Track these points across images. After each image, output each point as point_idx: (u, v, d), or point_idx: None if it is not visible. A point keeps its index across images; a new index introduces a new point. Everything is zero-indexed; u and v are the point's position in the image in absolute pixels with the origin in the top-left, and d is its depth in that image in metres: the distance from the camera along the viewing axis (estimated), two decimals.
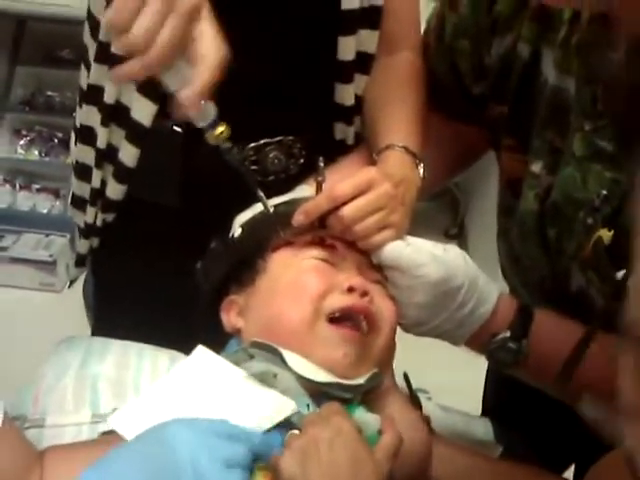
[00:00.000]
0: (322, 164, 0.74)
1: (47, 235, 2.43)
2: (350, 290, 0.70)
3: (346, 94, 0.92)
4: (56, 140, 2.52)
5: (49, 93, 2.58)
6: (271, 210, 0.75)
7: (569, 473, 1.08)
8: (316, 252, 0.74)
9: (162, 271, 0.97)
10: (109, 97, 0.89)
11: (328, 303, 0.70)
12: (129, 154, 0.90)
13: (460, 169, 1.02)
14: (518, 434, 0.91)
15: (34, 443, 0.75)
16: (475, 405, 1.12)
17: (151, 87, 0.85)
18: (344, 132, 0.97)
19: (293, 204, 0.75)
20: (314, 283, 0.71)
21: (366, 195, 0.72)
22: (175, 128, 0.89)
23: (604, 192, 0.69)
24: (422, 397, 0.90)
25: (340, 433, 0.59)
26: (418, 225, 0.78)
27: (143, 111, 0.87)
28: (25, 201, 2.50)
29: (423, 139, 0.84)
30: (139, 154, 0.90)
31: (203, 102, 0.69)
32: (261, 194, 0.75)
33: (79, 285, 1.13)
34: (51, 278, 2.35)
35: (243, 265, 0.77)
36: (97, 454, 0.63)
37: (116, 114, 0.89)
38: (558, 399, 0.77)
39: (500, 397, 1.11)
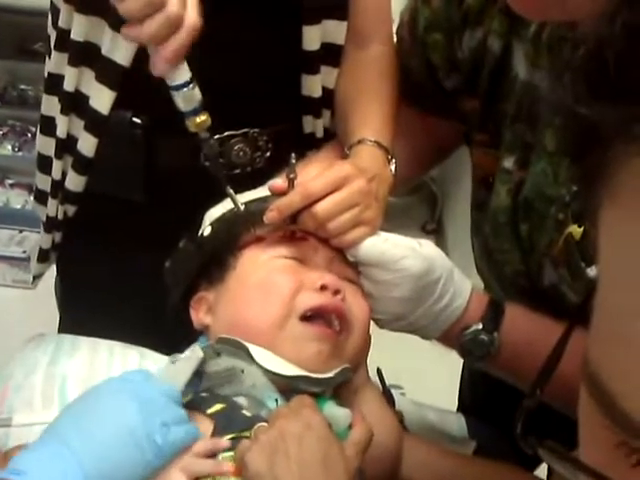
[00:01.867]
0: (294, 160, 0.73)
1: (20, 231, 2.40)
2: (322, 288, 0.69)
3: (313, 86, 0.92)
4: (29, 135, 2.48)
5: (22, 87, 2.55)
6: (242, 207, 0.74)
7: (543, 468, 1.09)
8: (287, 249, 0.73)
9: (127, 267, 0.96)
10: (69, 85, 0.88)
11: (300, 302, 0.69)
12: (88, 144, 0.89)
13: (433, 164, 1.02)
14: (494, 429, 0.92)
15: (1, 442, 0.73)
16: (450, 400, 1.13)
17: (110, 75, 0.85)
18: (313, 125, 0.96)
19: (264, 201, 0.74)
20: (285, 282, 0.70)
21: (340, 191, 0.71)
22: (134, 120, 0.88)
23: (574, 187, 0.69)
24: (396, 393, 0.90)
25: (310, 427, 0.58)
26: (395, 220, 0.77)
27: (101, 99, 0.86)
28: None
29: (395, 133, 0.84)
30: (98, 144, 0.89)
31: (190, 87, 0.68)
32: (231, 191, 0.74)
33: (52, 281, 1.11)
34: (24, 275, 2.32)
35: (213, 262, 0.75)
36: None
37: (75, 103, 0.89)
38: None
39: (476, 392, 1.11)
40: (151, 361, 0.86)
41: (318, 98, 0.93)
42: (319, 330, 0.68)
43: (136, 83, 0.81)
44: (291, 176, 0.73)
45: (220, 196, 0.76)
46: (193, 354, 0.66)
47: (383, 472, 0.69)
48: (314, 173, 0.72)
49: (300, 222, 0.72)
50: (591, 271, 0.69)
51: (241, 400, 0.65)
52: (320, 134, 0.98)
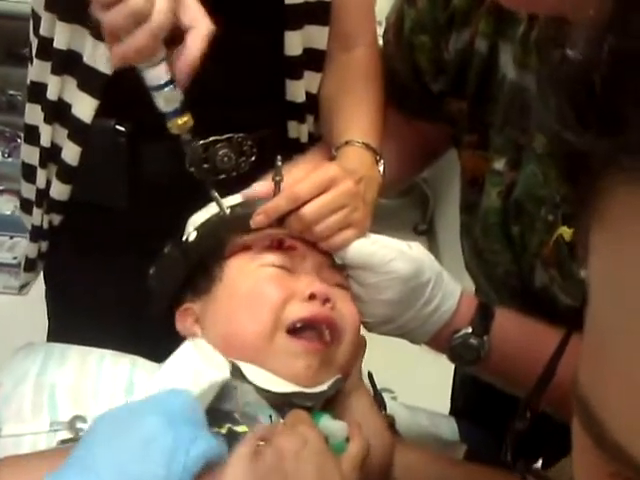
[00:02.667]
0: (280, 163, 0.73)
1: (11, 237, 2.39)
2: (311, 297, 0.68)
3: (297, 91, 0.91)
4: (19, 140, 2.47)
5: (11, 92, 2.54)
6: (227, 211, 0.73)
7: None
8: (274, 257, 0.72)
9: (113, 274, 0.96)
10: (52, 94, 0.87)
11: (288, 313, 0.68)
12: (71, 152, 0.89)
13: (423, 167, 1.02)
14: (485, 432, 0.92)
15: None
16: (442, 403, 1.13)
17: (92, 83, 0.84)
18: (297, 130, 0.96)
19: (250, 205, 0.73)
20: (272, 293, 0.69)
21: (327, 193, 0.70)
22: (118, 127, 0.88)
23: (564, 190, 0.69)
24: (387, 396, 0.89)
25: (306, 444, 0.57)
26: (387, 222, 0.77)
27: (84, 107, 0.86)
28: None
29: (383, 136, 0.84)
30: (81, 152, 0.89)
31: (170, 87, 0.67)
32: (216, 195, 0.73)
33: (43, 288, 1.11)
34: (15, 281, 2.31)
35: (198, 271, 0.74)
36: (55, 463, 0.61)
37: (58, 112, 0.88)
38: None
39: (469, 394, 1.11)
40: (142, 369, 0.86)
41: (302, 103, 0.93)
42: (306, 345, 0.67)
43: (119, 91, 0.80)
44: (277, 179, 0.72)
45: (205, 202, 0.76)
46: (219, 374, 0.65)
47: (372, 477, 0.69)
48: (300, 176, 0.72)
49: (287, 225, 0.72)
50: (582, 273, 0.69)
51: (236, 417, 0.65)
52: (305, 139, 0.97)
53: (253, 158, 0.92)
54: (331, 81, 0.91)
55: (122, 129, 0.88)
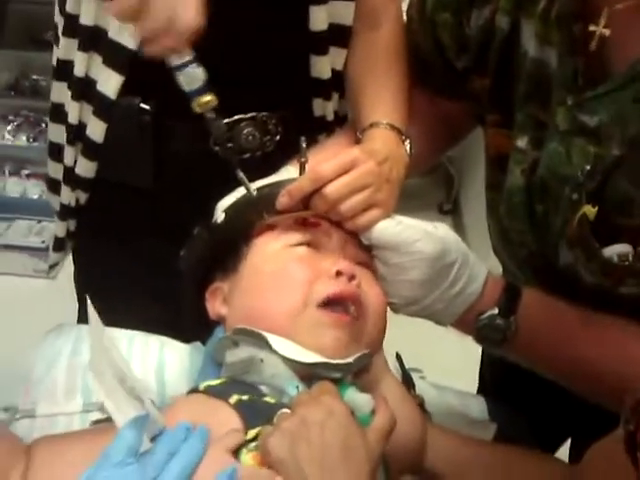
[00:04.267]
0: (304, 144, 0.73)
1: (39, 221, 2.41)
2: (338, 274, 0.69)
3: (322, 67, 0.91)
4: (44, 125, 2.49)
5: (34, 77, 2.54)
6: (254, 193, 0.73)
7: (565, 448, 1.08)
8: (299, 235, 0.73)
9: (140, 255, 0.96)
10: (79, 71, 0.88)
11: (316, 290, 0.68)
12: (97, 129, 0.90)
13: (447, 148, 1.01)
14: (514, 411, 0.91)
15: (25, 434, 0.74)
16: (470, 382, 1.12)
17: (117, 58, 0.85)
18: (323, 108, 0.95)
19: (276, 186, 0.73)
20: (301, 272, 0.69)
21: (350, 173, 0.71)
22: (143, 106, 0.88)
23: (587, 167, 0.68)
24: (415, 376, 0.90)
25: (332, 414, 0.57)
26: (412, 201, 0.77)
27: (109, 83, 0.86)
28: (15, 187, 2.48)
29: (408, 118, 0.83)
30: (107, 129, 0.89)
31: (192, 66, 0.68)
32: (242, 175, 0.73)
33: (72, 272, 1.12)
34: (44, 264, 2.34)
35: (227, 251, 0.75)
36: (87, 445, 0.62)
37: (85, 88, 0.89)
38: (549, 379, 0.77)
39: (497, 374, 1.11)
40: (172, 350, 0.87)
41: (327, 80, 0.92)
42: (336, 317, 0.68)
43: (144, 68, 0.80)
44: (302, 160, 0.73)
45: (230, 182, 0.76)
46: None
47: (407, 461, 0.69)
48: (323, 158, 0.72)
49: (312, 206, 0.72)
50: (606, 252, 0.68)
51: (263, 388, 0.65)
52: (330, 117, 0.97)
53: (278, 137, 0.92)
54: (356, 59, 0.91)
55: (147, 107, 0.88)
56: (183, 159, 0.91)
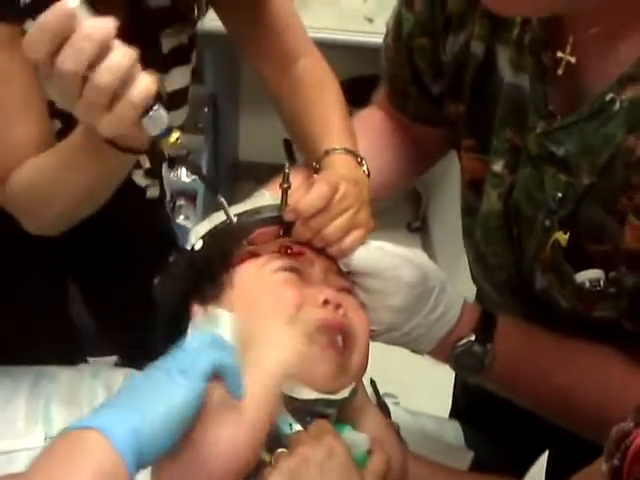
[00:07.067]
0: (287, 170, 0.72)
1: None
2: (325, 303, 0.67)
3: None
4: None
5: None
6: (234, 220, 0.72)
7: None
8: (283, 262, 0.71)
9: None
10: None
11: (303, 317, 0.66)
12: None
13: (422, 171, 1.01)
14: (488, 436, 0.91)
15: None
16: (443, 405, 1.11)
17: None
18: None
19: (256, 213, 0.73)
20: (289, 297, 0.68)
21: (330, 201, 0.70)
22: None
23: (559, 195, 0.68)
24: (390, 402, 0.88)
25: (332, 455, 0.57)
26: (380, 219, 0.76)
27: None
28: None
29: (381, 145, 0.82)
30: None
31: (155, 109, 0.65)
32: (224, 203, 0.72)
33: None
34: None
35: (204, 279, 0.73)
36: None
37: None
38: (526, 407, 0.77)
39: (470, 398, 1.10)
40: None
41: None
42: (323, 350, 0.66)
43: None
44: (285, 186, 0.72)
45: None
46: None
47: None
48: (301, 192, 0.71)
49: (295, 234, 0.71)
50: (578, 277, 0.68)
51: None
52: None
53: None
54: (286, 97, 0.90)
55: None
56: None
